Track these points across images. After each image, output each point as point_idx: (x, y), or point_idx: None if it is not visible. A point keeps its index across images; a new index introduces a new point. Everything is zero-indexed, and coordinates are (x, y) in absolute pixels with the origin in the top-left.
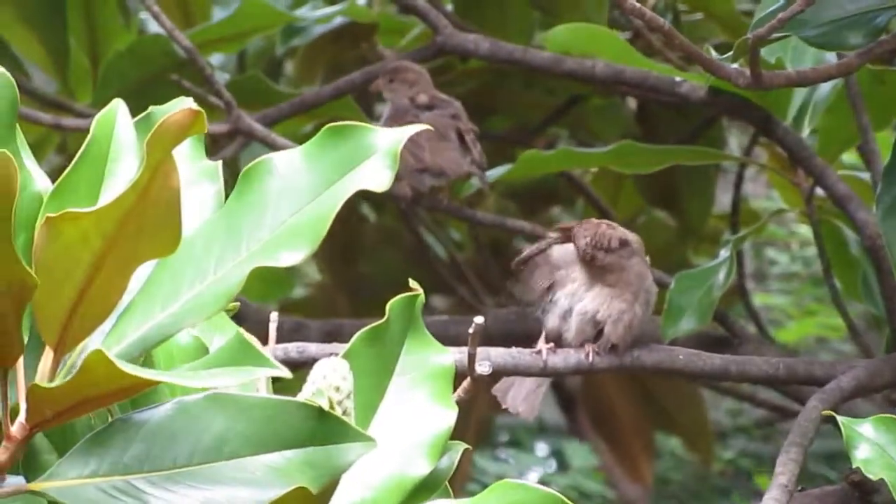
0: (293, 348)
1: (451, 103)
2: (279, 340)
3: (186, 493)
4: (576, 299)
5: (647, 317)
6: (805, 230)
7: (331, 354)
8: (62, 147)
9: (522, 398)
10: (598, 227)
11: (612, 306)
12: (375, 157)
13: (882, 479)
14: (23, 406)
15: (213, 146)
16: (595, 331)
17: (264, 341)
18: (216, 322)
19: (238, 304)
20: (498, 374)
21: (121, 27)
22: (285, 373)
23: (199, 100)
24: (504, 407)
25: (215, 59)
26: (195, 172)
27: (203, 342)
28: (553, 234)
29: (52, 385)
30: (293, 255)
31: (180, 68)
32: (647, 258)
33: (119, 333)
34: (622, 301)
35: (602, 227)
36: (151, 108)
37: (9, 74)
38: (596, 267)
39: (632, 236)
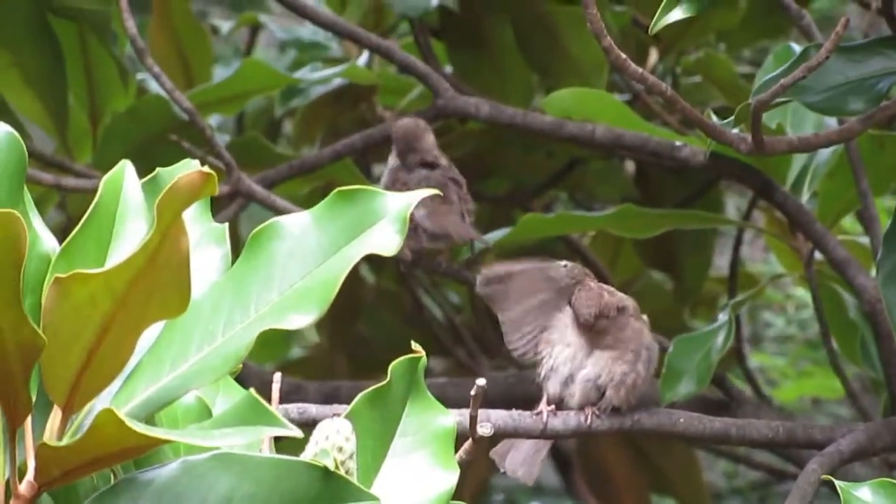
0: (294, 409)
1: (452, 167)
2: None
3: None
4: (576, 365)
5: (649, 376)
6: (801, 293)
7: (332, 415)
8: (62, 205)
9: (521, 461)
10: (599, 296)
11: (614, 370)
12: (384, 221)
13: None
14: (31, 465)
15: (212, 207)
16: (599, 395)
17: (267, 402)
18: (218, 382)
19: (240, 366)
20: (498, 436)
21: (120, 88)
22: (296, 432)
23: (199, 161)
24: (502, 471)
25: (214, 119)
26: (202, 234)
27: (206, 403)
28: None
29: (62, 444)
30: (302, 317)
31: (180, 129)
32: (645, 317)
33: (127, 394)
34: (623, 363)
35: (603, 295)
36: (158, 170)
37: (18, 135)
38: (594, 332)
39: (628, 300)
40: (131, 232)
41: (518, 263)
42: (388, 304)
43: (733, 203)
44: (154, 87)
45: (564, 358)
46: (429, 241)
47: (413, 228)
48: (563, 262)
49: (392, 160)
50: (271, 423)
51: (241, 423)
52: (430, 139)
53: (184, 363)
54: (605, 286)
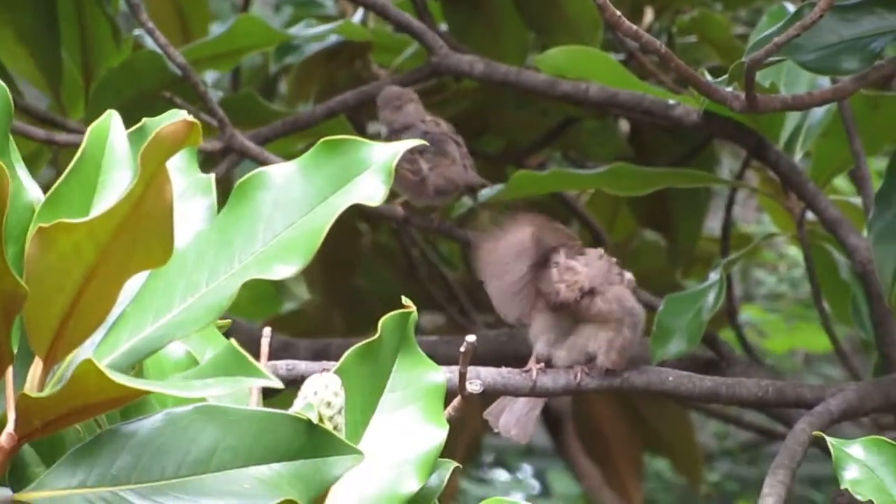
0: (282, 365)
1: (450, 128)
2: (268, 358)
3: None
4: (564, 331)
5: (637, 337)
6: (794, 252)
7: (322, 370)
8: (54, 162)
9: (514, 421)
10: (562, 282)
11: (600, 337)
12: (370, 171)
13: (870, 501)
14: (11, 416)
15: (205, 164)
16: (588, 359)
17: (256, 358)
18: (208, 337)
19: (229, 321)
20: (488, 393)
21: (114, 45)
22: (277, 383)
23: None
24: (496, 430)
25: (210, 76)
26: (188, 185)
27: (195, 357)
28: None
29: (42, 395)
30: (286, 268)
31: (174, 85)
32: (629, 275)
33: (110, 344)
34: (608, 330)
35: (565, 281)
36: (145, 120)
37: (4, 85)
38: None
39: (599, 272)
40: (116, 182)
41: (513, 221)
42: (384, 259)
43: (727, 164)
44: (150, 43)
45: (551, 324)
46: (435, 195)
47: (420, 181)
48: (557, 224)
49: (382, 130)
50: (252, 373)
51: (222, 373)
52: (417, 106)
53: (167, 313)
54: (573, 261)
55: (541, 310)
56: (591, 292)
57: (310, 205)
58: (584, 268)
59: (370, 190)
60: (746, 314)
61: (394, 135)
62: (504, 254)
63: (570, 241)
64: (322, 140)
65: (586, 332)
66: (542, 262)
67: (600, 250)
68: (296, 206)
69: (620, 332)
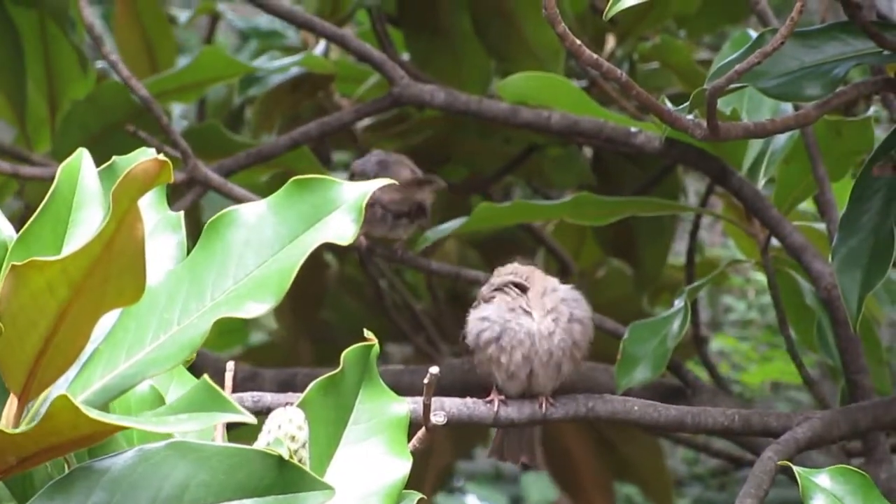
0: (248, 397)
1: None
2: (234, 390)
3: None
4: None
5: (589, 334)
6: (761, 278)
7: (286, 404)
8: (20, 193)
9: (518, 448)
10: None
11: (558, 326)
12: (340, 210)
13: None
14: None
15: (170, 196)
16: (557, 370)
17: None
18: (172, 372)
19: (194, 354)
20: (453, 423)
21: (79, 75)
22: (250, 418)
23: (155, 149)
24: (509, 462)
25: (176, 107)
26: (158, 222)
27: (160, 392)
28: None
29: (17, 431)
30: (258, 306)
31: (139, 117)
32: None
33: (83, 382)
34: (562, 317)
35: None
36: (115, 158)
37: None
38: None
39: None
40: (88, 220)
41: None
42: (351, 290)
43: (693, 187)
44: (115, 75)
45: (515, 340)
46: (393, 221)
47: (370, 205)
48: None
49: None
50: (226, 408)
51: (195, 409)
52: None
53: (140, 351)
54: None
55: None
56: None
57: (281, 243)
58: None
59: (341, 228)
60: (718, 343)
61: (356, 170)
62: None
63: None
64: (292, 179)
65: (545, 325)
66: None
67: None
68: (267, 244)
69: (572, 317)
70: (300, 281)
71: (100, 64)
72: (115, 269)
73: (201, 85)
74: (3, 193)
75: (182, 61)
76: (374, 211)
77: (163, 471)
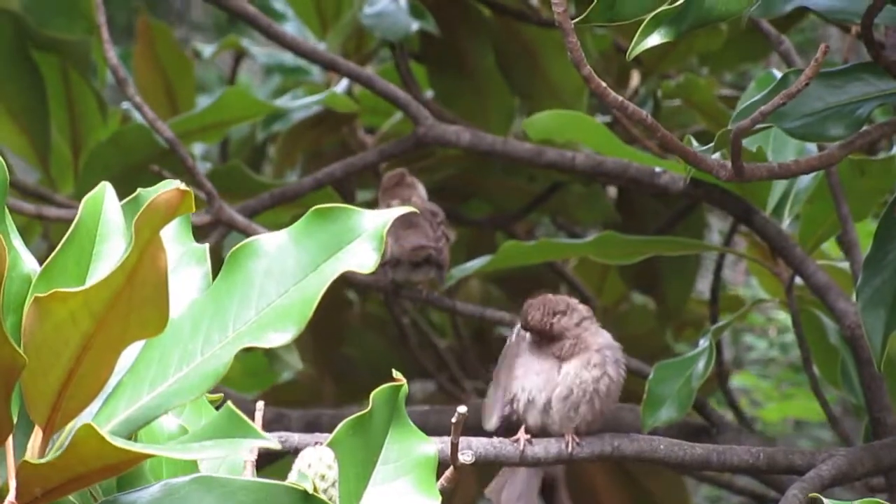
0: (276, 438)
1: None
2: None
3: None
4: (549, 388)
5: (621, 378)
6: (783, 316)
7: (315, 443)
8: (45, 235)
9: (517, 496)
10: (541, 302)
11: (584, 377)
12: (361, 238)
13: None
14: (12, 484)
15: (194, 237)
16: (575, 413)
17: None
18: (200, 410)
19: (221, 394)
20: (480, 463)
21: (101, 118)
22: (274, 444)
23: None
24: None
25: (198, 147)
26: (183, 254)
27: (188, 430)
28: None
29: (43, 461)
30: (281, 335)
31: (162, 158)
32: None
33: (108, 413)
34: (593, 367)
35: (545, 299)
36: (139, 191)
37: (1, 160)
38: (551, 338)
39: (578, 304)
40: (111, 252)
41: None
42: (373, 328)
43: (717, 224)
44: (138, 115)
45: (536, 386)
46: (409, 272)
47: (384, 264)
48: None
49: None
50: (250, 435)
51: (219, 435)
52: (408, 190)
53: (163, 382)
54: (548, 296)
55: (521, 374)
56: (571, 311)
57: (303, 273)
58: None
59: (362, 257)
60: (739, 381)
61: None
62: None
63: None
64: (313, 208)
65: (571, 376)
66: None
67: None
68: (289, 274)
69: (604, 370)
70: (323, 318)
71: (124, 105)
72: (137, 299)
73: (224, 125)
74: (29, 235)
75: (203, 101)
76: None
77: None
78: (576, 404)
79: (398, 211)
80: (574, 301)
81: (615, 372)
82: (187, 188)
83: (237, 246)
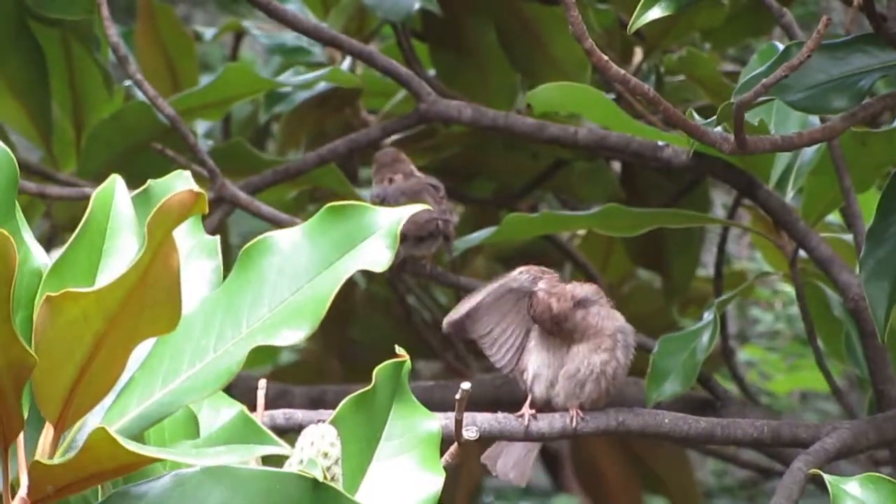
0: (280, 415)
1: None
2: (265, 408)
3: None
4: (557, 365)
5: (629, 361)
6: (789, 289)
7: (318, 420)
8: (48, 213)
9: (512, 464)
10: (549, 302)
11: (593, 360)
12: (375, 236)
13: None
14: (24, 482)
15: None
16: (581, 391)
17: (251, 408)
18: (218, 402)
19: None
20: (484, 438)
21: (104, 95)
22: (287, 450)
23: (188, 170)
24: (494, 474)
25: (202, 124)
26: (194, 247)
27: (193, 413)
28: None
29: (55, 462)
30: (294, 333)
31: (164, 136)
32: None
33: (119, 410)
34: (602, 352)
35: (553, 297)
36: (150, 183)
37: (9, 151)
38: (562, 332)
39: (586, 288)
40: (122, 247)
41: (475, 296)
42: (378, 308)
43: (720, 199)
44: (140, 93)
45: (544, 362)
46: (413, 246)
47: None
48: (518, 270)
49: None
50: (263, 441)
51: (233, 440)
52: (404, 165)
53: (175, 379)
54: (556, 284)
55: (532, 347)
56: (583, 303)
57: (316, 270)
58: (569, 286)
59: (376, 255)
60: (746, 354)
61: (375, 199)
62: (483, 311)
63: (544, 273)
64: (327, 206)
65: (579, 356)
66: (525, 301)
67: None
68: (302, 271)
69: (613, 354)
70: None
71: (127, 83)
72: (150, 299)
73: (226, 102)
74: (30, 214)
75: (206, 79)
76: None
77: (199, 496)
78: (581, 382)
79: (413, 208)
80: (581, 288)
81: (624, 356)
82: (200, 189)
83: (251, 243)
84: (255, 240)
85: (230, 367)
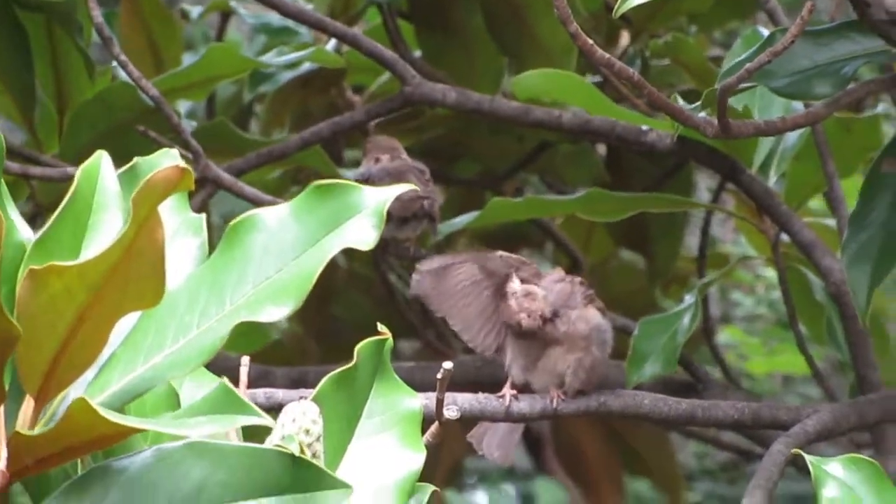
0: (261, 394)
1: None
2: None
3: None
4: (534, 355)
5: (606, 356)
6: (771, 274)
7: (300, 398)
8: (32, 196)
9: (497, 444)
10: (522, 308)
11: (569, 358)
12: (362, 215)
13: None
14: (3, 454)
15: None
16: (560, 381)
17: (234, 386)
18: (200, 378)
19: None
20: (465, 418)
21: (86, 79)
22: (268, 421)
23: (175, 150)
24: (480, 453)
25: (184, 105)
26: (180, 224)
27: (174, 388)
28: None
29: (35, 433)
30: (278, 310)
31: (148, 116)
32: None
33: (101, 384)
34: (578, 350)
35: (525, 307)
36: (136, 160)
37: None
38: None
39: (561, 289)
40: (107, 223)
41: (454, 257)
42: (359, 287)
43: (704, 183)
44: (124, 74)
45: (521, 351)
46: (396, 228)
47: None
48: (499, 253)
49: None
50: (244, 411)
51: (214, 411)
52: (396, 151)
53: (158, 354)
54: (532, 282)
55: (510, 337)
56: (554, 317)
57: (301, 248)
58: (542, 293)
59: (361, 234)
60: (726, 335)
61: (359, 178)
62: (455, 289)
63: (522, 265)
64: (313, 184)
65: (555, 355)
66: (500, 290)
67: (560, 272)
68: (287, 249)
69: (589, 351)
70: None
71: (114, 64)
72: (134, 273)
73: (210, 82)
74: (15, 197)
75: (189, 59)
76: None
77: (180, 471)
78: (560, 376)
79: (398, 188)
80: (558, 297)
81: (600, 351)
82: (186, 165)
83: (236, 220)
84: (242, 216)
85: (213, 343)
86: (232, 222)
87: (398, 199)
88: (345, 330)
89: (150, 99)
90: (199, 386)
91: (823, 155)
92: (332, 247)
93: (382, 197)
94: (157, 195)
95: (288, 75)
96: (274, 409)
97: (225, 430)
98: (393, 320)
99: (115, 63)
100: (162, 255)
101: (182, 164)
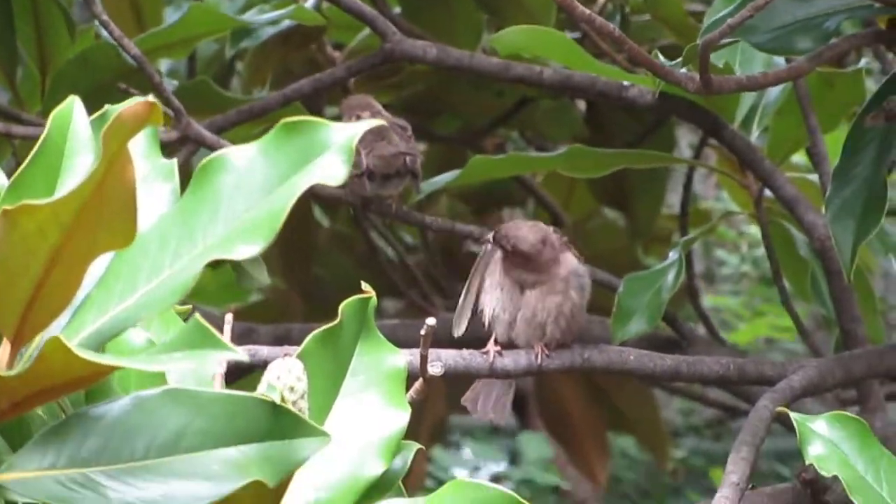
0: (244, 351)
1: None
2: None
3: (144, 487)
4: (513, 308)
5: (584, 302)
6: (755, 231)
7: (284, 355)
8: (15, 155)
9: (492, 405)
10: (517, 228)
11: (548, 303)
12: (331, 151)
13: (835, 477)
14: None
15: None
16: (542, 332)
17: None
18: (169, 323)
19: (190, 307)
20: (449, 375)
21: (68, 39)
22: (243, 356)
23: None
24: (476, 415)
25: (165, 64)
26: (151, 170)
27: (151, 339)
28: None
29: (10, 374)
30: (249, 248)
31: (130, 75)
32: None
33: (76, 326)
34: (556, 294)
35: (522, 228)
36: (107, 107)
37: None
38: (520, 264)
39: (546, 230)
40: (80, 167)
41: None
42: (342, 246)
43: (686, 139)
44: (107, 33)
45: (500, 302)
46: (379, 185)
47: (358, 175)
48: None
49: None
50: (217, 347)
51: (187, 347)
52: (374, 108)
53: (132, 295)
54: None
55: (488, 287)
56: (544, 241)
57: (271, 186)
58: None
59: (331, 170)
60: (710, 302)
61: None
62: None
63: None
64: (282, 122)
65: (533, 301)
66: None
67: (539, 223)
68: (257, 187)
69: (567, 295)
70: (290, 237)
71: (96, 23)
72: (106, 211)
73: (191, 41)
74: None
75: (171, 17)
76: (361, 183)
77: (159, 417)
78: (542, 325)
79: (368, 123)
80: (548, 230)
81: (578, 296)
82: (154, 99)
83: (205, 160)
84: (210, 157)
85: (186, 282)
86: (201, 163)
87: (380, 156)
88: (328, 288)
89: (132, 58)
90: (170, 331)
91: (806, 110)
92: (302, 184)
93: (351, 132)
94: (127, 130)
95: (269, 31)
96: (258, 366)
97: (198, 365)
98: (375, 278)
99: (97, 22)
100: (133, 193)
101: (151, 98)
